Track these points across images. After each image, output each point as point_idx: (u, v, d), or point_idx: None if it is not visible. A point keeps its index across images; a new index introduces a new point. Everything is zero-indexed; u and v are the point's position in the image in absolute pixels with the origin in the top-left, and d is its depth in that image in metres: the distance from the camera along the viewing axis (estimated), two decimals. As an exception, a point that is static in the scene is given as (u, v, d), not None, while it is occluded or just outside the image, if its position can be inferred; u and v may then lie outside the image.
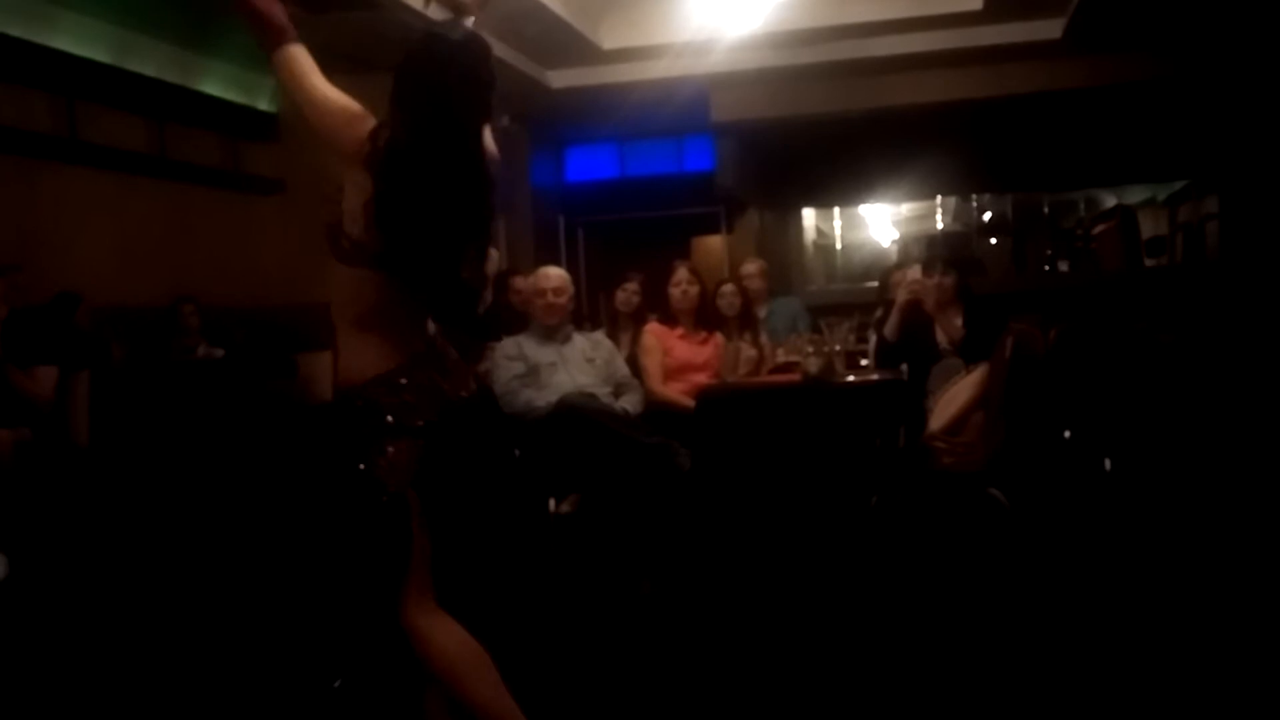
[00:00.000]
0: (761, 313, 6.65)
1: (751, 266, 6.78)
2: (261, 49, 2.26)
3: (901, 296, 5.44)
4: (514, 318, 5.75)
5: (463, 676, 2.38)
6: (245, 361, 6.59)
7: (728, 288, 5.91)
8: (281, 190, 8.10)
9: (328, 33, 7.42)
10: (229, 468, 5.30)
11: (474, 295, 2.40)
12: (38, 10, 6.31)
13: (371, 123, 2.25)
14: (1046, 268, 12.28)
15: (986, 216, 12.73)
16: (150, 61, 7.14)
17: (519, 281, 6.18)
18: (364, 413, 2.27)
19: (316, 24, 7.16)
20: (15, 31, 6.16)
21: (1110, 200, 12.17)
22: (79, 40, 6.61)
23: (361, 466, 2.26)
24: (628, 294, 6.00)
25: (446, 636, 2.39)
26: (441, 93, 2.27)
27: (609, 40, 8.85)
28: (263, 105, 8.22)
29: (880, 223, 13.94)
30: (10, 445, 4.73)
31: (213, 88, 7.74)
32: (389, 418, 2.26)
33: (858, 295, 10.23)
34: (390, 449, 2.26)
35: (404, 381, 2.28)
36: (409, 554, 2.33)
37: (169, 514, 5.12)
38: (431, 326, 2.39)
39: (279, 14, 2.26)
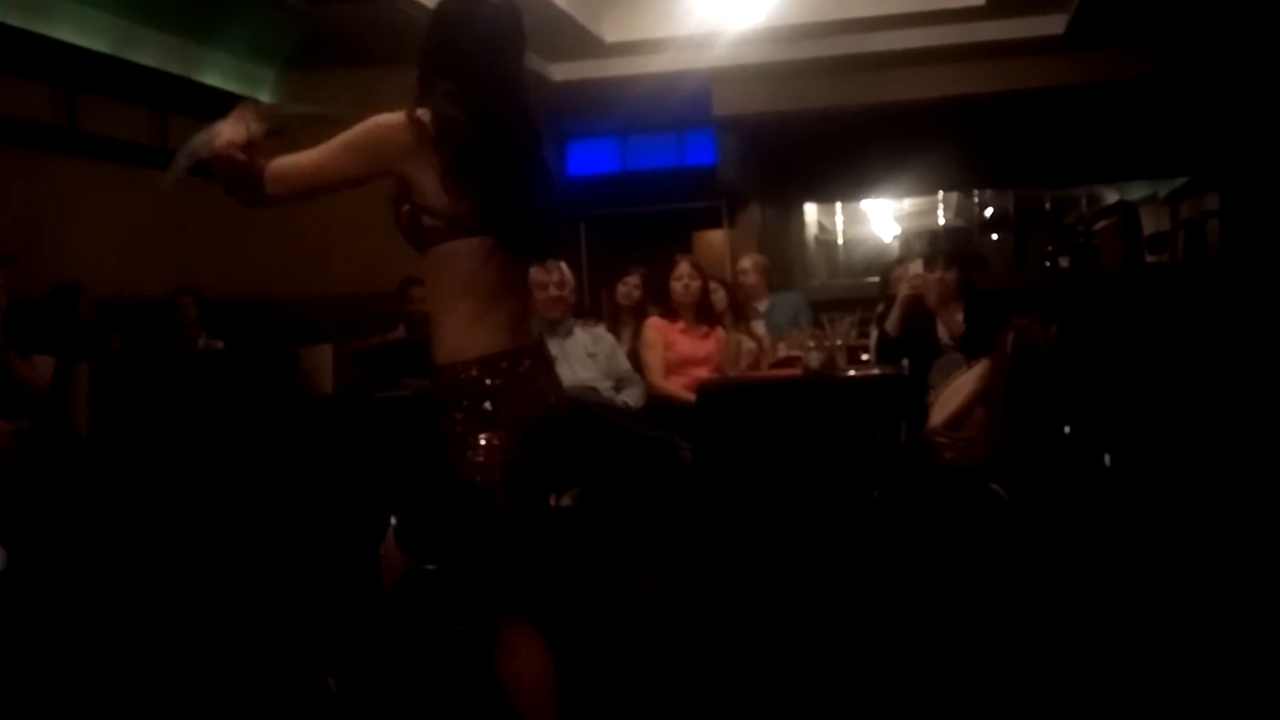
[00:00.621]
0: (761, 307, 6.65)
1: (746, 262, 6.80)
2: (254, 199, 2.26)
3: (903, 291, 5.43)
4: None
5: (535, 709, 2.30)
6: (246, 354, 6.58)
7: (711, 284, 5.89)
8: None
9: (329, 25, 7.43)
10: (229, 460, 5.30)
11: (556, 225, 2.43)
12: (37, 0, 6.30)
13: (376, 125, 2.26)
14: (1048, 264, 12.28)
15: (988, 212, 12.72)
16: (151, 52, 7.13)
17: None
18: (462, 394, 2.20)
19: (318, 16, 7.18)
20: (15, 21, 6.16)
21: (1112, 196, 12.16)
22: (79, 30, 6.59)
23: (450, 457, 2.19)
24: (629, 288, 5.99)
25: (531, 661, 2.31)
26: (485, 39, 2.37)
27: (611, 33, 8.84)
28: (264, 97, 8.20)
29: (882, 218, 13.94)
30: (9, 436, 4.71)
31: (214, 79, 7.73)
32: (487, 404, 2.19)
33: (859, 290, 10.23)
34: (484, 438, 2.18)
35: (506, 366, 2.22)
36: (500, 555, 2.25)
37: (168, 505, 5.11)
38: (537, 328, 2.36)
39: (239, 156, 2.25)
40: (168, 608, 4.13)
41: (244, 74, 7.98)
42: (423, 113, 2.25)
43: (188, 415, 5.61)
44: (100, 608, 4.12)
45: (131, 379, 5.82)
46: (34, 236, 6.11)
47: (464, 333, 2.22)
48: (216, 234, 7.68)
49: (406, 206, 2.24)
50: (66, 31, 6.49)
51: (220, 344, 6.61)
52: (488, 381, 2.19)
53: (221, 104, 7.91)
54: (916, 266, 5.56)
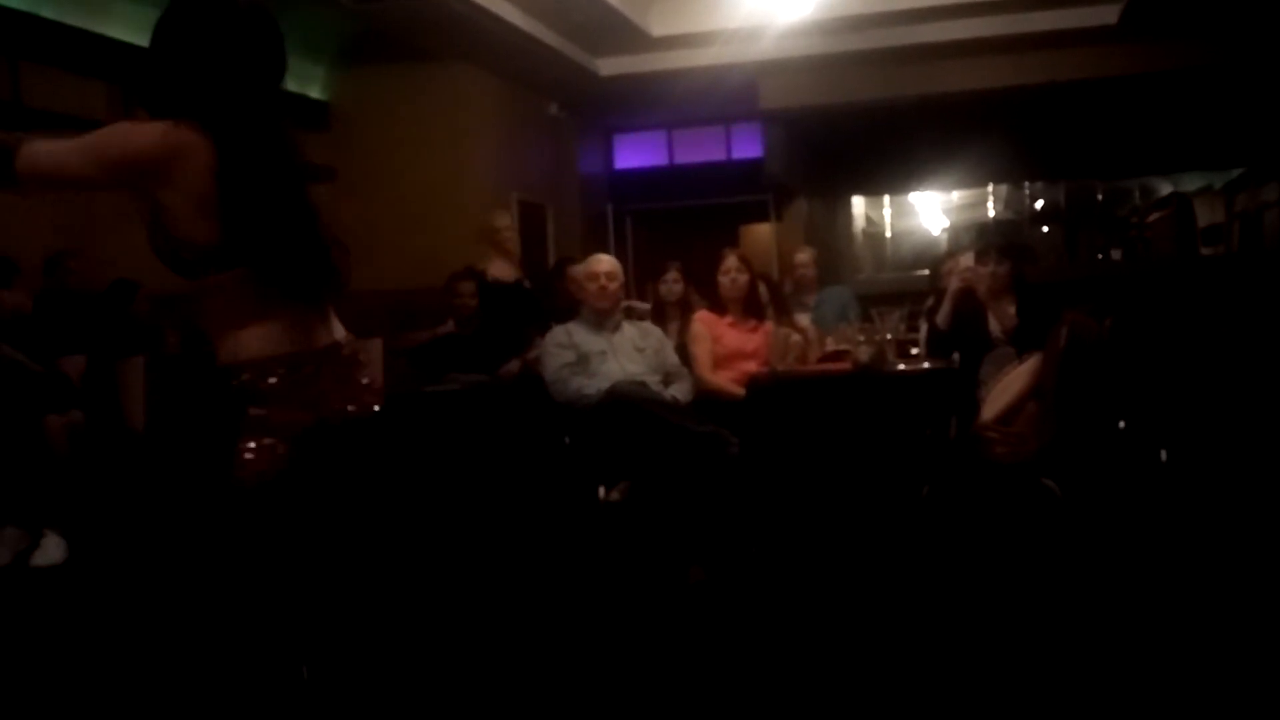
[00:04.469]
0: (810, 301, 6.63)
1: (805, 255, 6.77)
2: (4, 178, 1.99)
3: (954, 285, 5.38)
4: (568, 306, 5.75)
5: None
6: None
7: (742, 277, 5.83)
8: (333, 178, 8.16)
9: (378, 21, 7.49)
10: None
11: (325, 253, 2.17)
12: (94, 0, 6.40)
13: (125, 135, 2.02)
14: (1099, 256, 12.14)
15: (1038, 204, 12.59)
16: (204, 50, 7.22)
17: (572, 269, 6.19)
18: (232, 398, 2.08)
19: (368, 13, 7.23)
20: (74, 21, 6.26)
21: (1166, 188, 12.00)
22: (134, 29, 6.67)
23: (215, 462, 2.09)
24: (669, 284, 5.98)
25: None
26: (254, 60, 2.11)
27: (658, 27, 8.84)
28: (314, 94, 8.29)
29: (930, 210, 13.85)
30: (61, 430, 4.80)
31: (265, 76, 7.81)
32: (258, 410, 2.07)
33: (907, 283, 10.16)
34: (252, 445, 2.06)
35: (282, 371, 2.08)
36: (263, 568, 2.14)
37: (220, 499, 5.17)
38: (341, 331, 2.20)
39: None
40: (218, 599, 4.18)
41: (295, 71, 7.96)
42: (186, 127, 2.01)
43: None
44: (153, 599, 4.18)
45: (186, 374, 5.90)
46: (91, 232, 6.20)
47: (242, 341, 2.08)
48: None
49: (162, 238, 2.04)
50: (121, 30, 6.57)
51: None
52: (261, 386, 2.07)
53: (274, 101, 7.92)
54: (968, 259, 5.51)
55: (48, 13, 6.14)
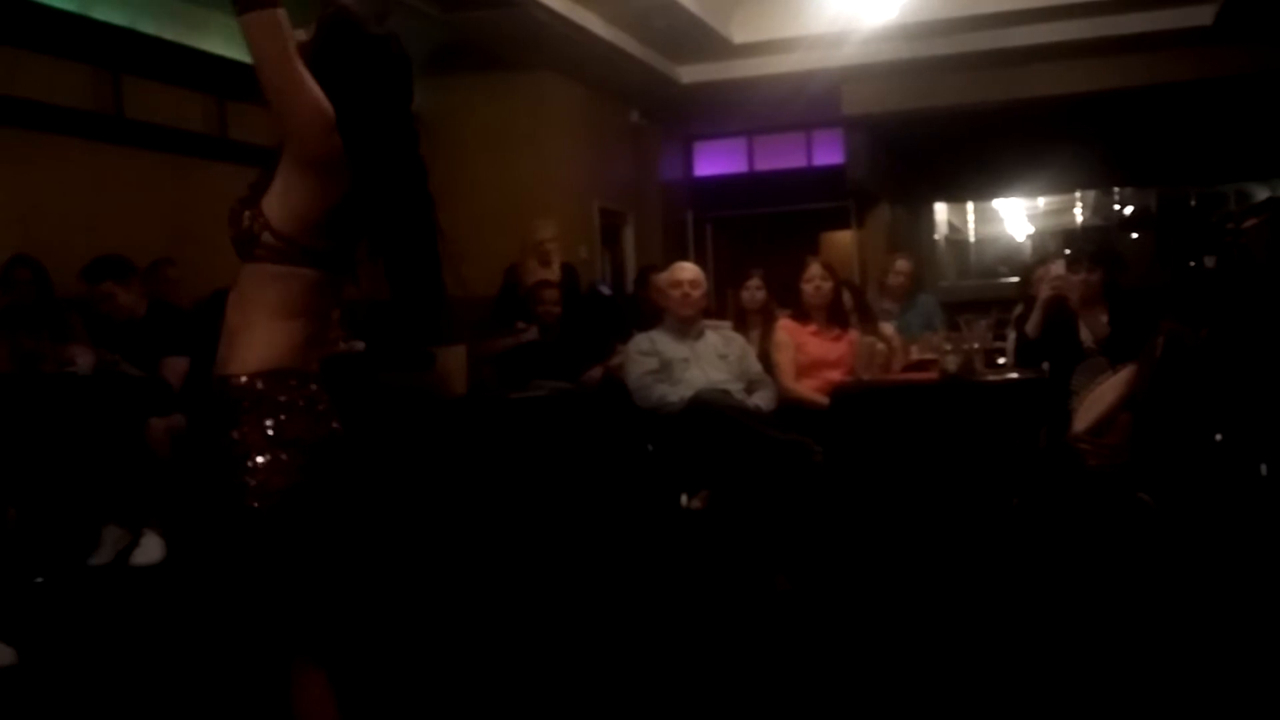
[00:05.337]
0: (895, 309, 6.58)
1: (903, 264, 6.71)
2: (235, 4, 1.94)
3: (1044, 293, 5.30)
4: (651, 313, 5.77)
5: None
6: (385, 355, 6.73)
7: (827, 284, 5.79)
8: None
9: (461, 31, 7.58)
10: (369, 460, 5.42)
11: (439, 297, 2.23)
12: (192, 14, 6.57)
13: (321, 103, 2.01)
14: (1192, 263, 11.84)
15: (1128, 210, 12.34)
16: (294, 62, 7.37)
17: (655, 277, 6.21)
18: (243, 409, 2.05)
19: (452, 23, 7.33)
20: (171, 35, 6.43)
21: (1262, 193, 11.66)
22: (229, 42, 6.84)
23: (230, 479, 2.05)
24: (751, 291, 5.97)
25: (312, 705, 2.14)
26: (394, 93, 2.12)
27: (740, 34, 8.83)
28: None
29: (1015, 217, 13.64)
30: (164, 434, 4.92)
31: (354, 86, 7.95)
32: (268, 421, 2.05)
33: (991, 291, 10.03)
34: (262, 459, 2.04)
35: (294, 384, 2.08)
36: (277, 586, 2.11)
37: (313, 501, 5.25)
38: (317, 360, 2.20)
39: None
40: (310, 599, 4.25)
41: (383, 82, 8.18)
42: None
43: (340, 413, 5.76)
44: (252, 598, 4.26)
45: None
46: (186, 240, 6.36)
47: (261, 347, 2.07)
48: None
49: (250, 214, 2.05)
50: (217, 43, 6.74)
51: (361, 345, 6.78)
52: (276, 397, 2.06)
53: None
54: (1058, 267, 5.43)
55: (147, 28, 6.32)
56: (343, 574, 2.17)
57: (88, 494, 4.86)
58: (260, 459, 2.03)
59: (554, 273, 6.90)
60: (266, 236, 2.04)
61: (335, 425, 2.15)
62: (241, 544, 2.11)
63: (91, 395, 4.94)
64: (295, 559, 2.10)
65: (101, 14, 6.08)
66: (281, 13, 1.94)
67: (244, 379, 2.06)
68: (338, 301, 2.20)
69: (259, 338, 2.07)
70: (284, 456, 2.04)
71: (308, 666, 2.13)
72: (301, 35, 2.07)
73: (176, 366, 5.21)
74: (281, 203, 2.04)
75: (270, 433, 2.04)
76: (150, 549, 4.79)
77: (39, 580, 4.42)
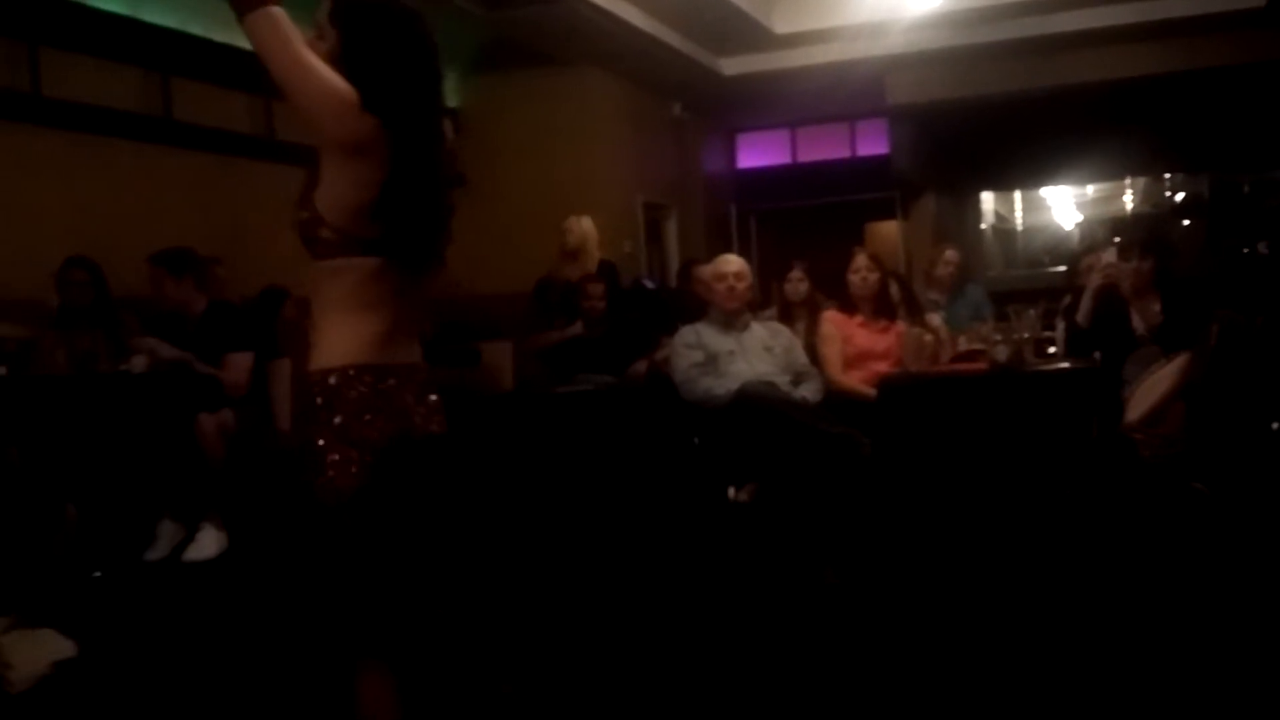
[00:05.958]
0: (942, 300, 6.53)
1: (953, 254, 6.64)
2: (234, 8, 1.98)
3: (1095, 281, 5.24)
4: (695, 306, 5.77)
5: None
6: (432, 352, 6.78)
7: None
8: (463, 183, 8.32)
9: (506, 28, 7.61)
10: (421, 457, 5.45)
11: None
12: (239, 16, 6.65)
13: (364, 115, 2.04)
14: (1245, 250, 11.65)
15: (1179, 197, 12.16)
16: (341, 62, 7.44)
17: (699, 270, 6.21)
18: (319, 406, 2.07)
19: (496, 20, 7.36)
20: (219, 37, 6.50)
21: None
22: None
23: (308, 475, 2.06)
24: (793, 283, 5.96)
25: (379, 711, 2.15)
26: (425, 67, 2.14)
27: (782, 25, 8.79)
28: (448, 102, 8.45)
29: (1063, 205, 13.48)
30: (217, 433, 4.98)
31: (399, 85, 8.00)
32: (338, 418, 2.05)
33: (1039, 280, 9.93)
34: (336, 455, 2.05)
35: (369, 380, 2.08)
36: (346, 587, 2.12)
37: (362, 499, 5.30)
38: (419, 354, 2.22)
39: None
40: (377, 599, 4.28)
41: (427, 79, 8.23)
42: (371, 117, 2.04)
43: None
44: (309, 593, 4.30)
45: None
46: (236, 240, 6.44)
47: (333, 343, 2.10)
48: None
49: (306, 214, 2.08)
50: (264, 44, 6.82)
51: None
52: (348, 393, 2.07)
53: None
54: (1109, 255, 5.36)
55: (196, 30, 6.40)
56: (411, 574, 2.16)
57: (143, 490, 4.94)
58: (332, 456, 2.04)
59: (587, 271, 6.91)
60: (323, 231, 2.07)
61: (419, 421, 2.15)
62: (311, 541, 2.12)
63: (146, 394, 5.02)
64: (363, 558, 2.10)
65: (151, 16, 6.17)
66: (277, 10, 1.97)
67: (318, 376, 2.08)
68: (415, 289, 2.19)
69: (330, 334, 2.10)
70: (354, 454, 2.05)
71: (373, 665, 2.14)
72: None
73: (241, 363, 5.27)
74: (328, 195, 2.06)
75: (340, 430, 2.05)
76: (205, 544, 4.87)
77: (97, 575, 4.50)
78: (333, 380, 2.07)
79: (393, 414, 2.10)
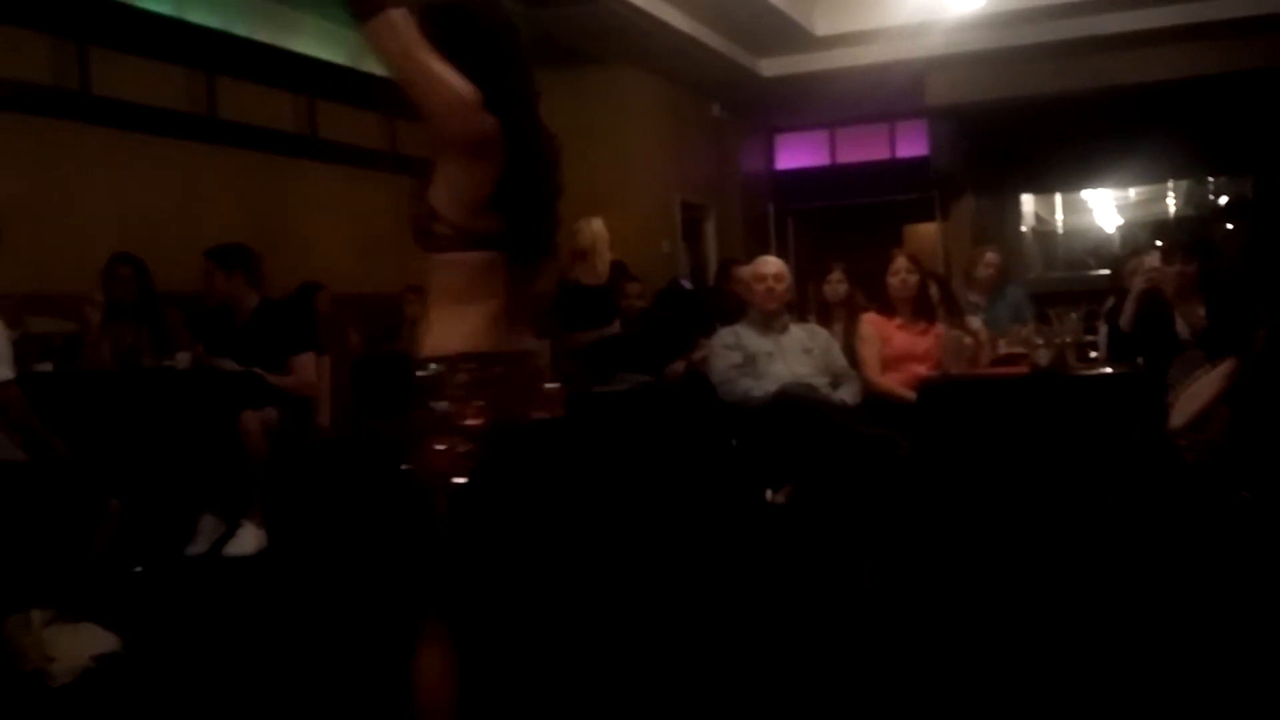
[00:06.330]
0: (982, 302, 6.49)
1: (993, 256, 6.60)
2: (353, 14, 2.02)
3: (1139, 285, 5.19)
4: (733, 306, 5.77)
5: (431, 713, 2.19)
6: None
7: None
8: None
9: (545, 27, 7.63)
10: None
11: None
12: (283, 16, 6.72)
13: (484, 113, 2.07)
14: (1289, 253, 11.51)
15: (1223, 200, 12.02)
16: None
17: (738, 271, 6.20)
18: (426, 393, 2.11)
19: (535, 19, 7.38)
20: (263, 37, 6.57)
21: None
22: (319, 43, 6.98)
23: (411, 460, 2.10)
24: (833, 284, 5.94)
25: (435, 677, 2.17)
26: (522, 61, 2.19)
27: (823, 26, 8.78)
28: (486, 99, 8.50)
29: (1104, 207, 13.37)
30: (259, 426, 5.01)
31: (439, 85, 8.05)
32: (441, 405, 2.09)
33: (1079, 283, 9.84)
34: (439, 443, 2.09)
35: (474, 368, 2.12)
36: (433, 565, 2.14)
37: (401, 494, 5.33)
38: (534, 343, 2.26)
39: None
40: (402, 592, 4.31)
41: (467, 78, 8.28)
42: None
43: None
44: (346, 591, 4.34)
45: (369, 373, 6.12)
46: (279, 237, 6.50)
47: (441, 333, 2.14)
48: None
49: (421, 210, 2.13)
50: (308, 44, 6.88)
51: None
52: (453, 381, 2.11)
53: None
54: (1153, 259, 5.31)
55: (240, 30, 6.47)
56: (506, 558, 2.21)
57: (185, 486, 4.98)
58: (435, 443, 2.09)
59: (598, 273, 6.93)
60: (437, 226, 2.11)
61: (528, 409, 2.19)
62: (407, 526, 2.15)
63: (190, 389, 5.06)
64: (461, 543, 2.13)
65: (196, 17, 6.24)
66: (396, 13, 2.01)
67: (424, 364, 2.13)
68: (527, 279, 2.24)
69: (439, 324, 2.15)
70: (457, 441, 2.09)
71: (438, 644, 2.17)
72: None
73: (307, 364, 5.29)
74: (444, 191, 2.11)
75: (444, 418, 2.09)
76: (245, 540, 4.89)
77: (138, 569, 4.54)
78: (438, 369, 2.11)
79: (497, 402, 2.13)
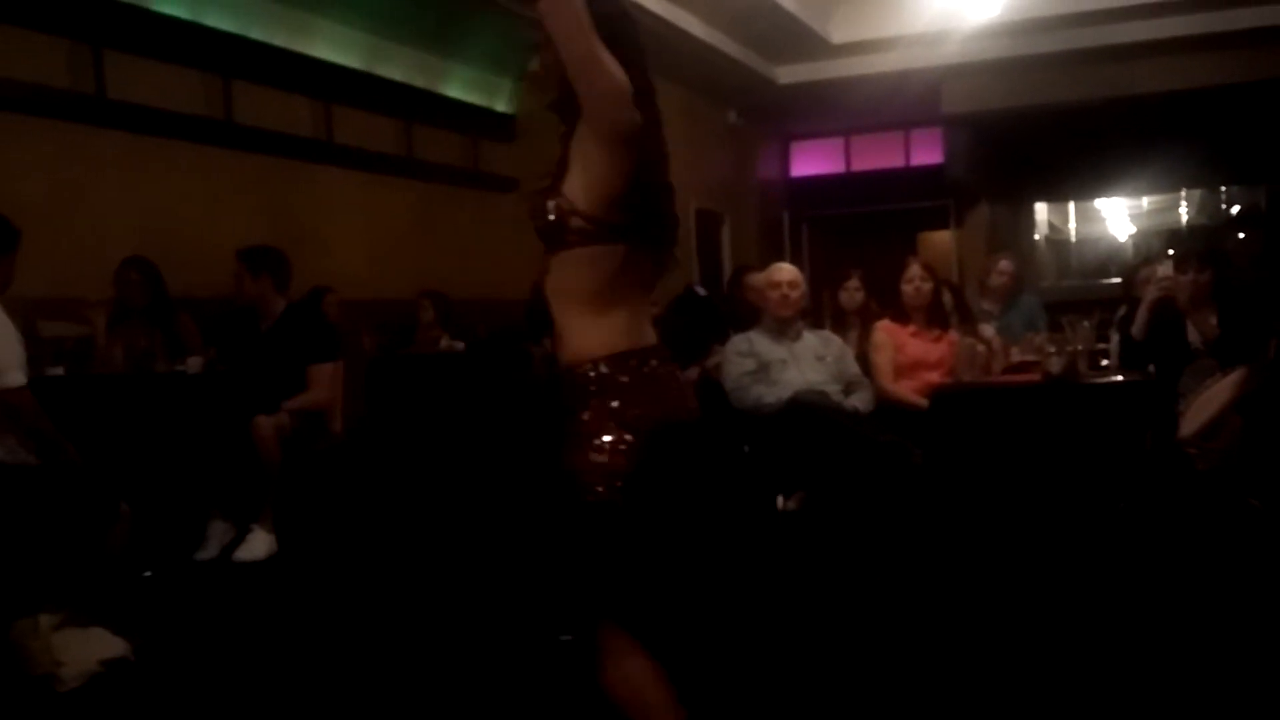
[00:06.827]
0: (996, 310, 6.47)
1: (1007, 264, 6.61)
2: None
3: (1151, 293, 5.16)
4: (746, 313, 5.76)
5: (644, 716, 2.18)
6: (485, 354, 6.81)
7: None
8: (517, 188, 8.37)
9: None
10: (476, 458, 5.48)
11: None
12: (299, 20, 6.73)
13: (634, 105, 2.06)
14: (1302, 262, 11.45)
15: (1235, 209, 11.97)
16: (398, 66, 7.51)
17: (752, 277, 6.19)
18: (590, 393, 2.10)
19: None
20: (279, 41, 6.59)
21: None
22: (335, 47, 7.00)
23: (573, 460, 2.09)
24: (849, 292, 5.93)
25: (633, 671, 2.17)
26: (642, 55, 2.17)
27: (839, 34, 8.78)
28: (501, 107, 8.51)
29: (1117, 216, 13.33)
30: (272, 431, 5.02)
31: (455, 90, 8.07)
32: (615, 401, 2.09)
33: (1092, 292, 9.83)
34: (609, 438, 2.08)
35: (634, 364, 2.13)
36: (610, 565, 2.13)
37: (417, 499, 5.34)
38: (655, 335, 2.25)
39: None
40: (415, 596, 4.32)
41: (483, 85, 8.30)
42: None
43: (435, 413, 5.85)
44: (358, 598, 4.35)
45: (382, 378, 6.12)
46: (294, 242, 6.50)
47: (593, 333, 2.13)
48: (456, 238, 8.03)
49: (555, 202, 2.10)
50: (324, 49, 6.90)
51: (461, 345, 6.88)
52: (618, 379, 2.11)
53: (463, 115, 8.26)
54: (1165, 268, 5.28)
55: (256, 34, 6.49)
56: (676, 557, 2.20)
57: (196, 490, 4.99)
58: (606, 439, 2.08)
59: None
60: (575, 221, 2.09)
61: (684, 402, 2.20)
62: (578, 528, 2.12)
63: (201, 394, 5.08)
64: (632, 542, 2.12)
65: (212, 20, 6.26)
66: None
67: (587, 365, 2.12)
68: (657, 277, 2.24)
69: (589, 322, 2.13)
70: (628, 438, 2.08)
71: (632, 652, 2.16)
72: None
73: (323, 375, 5.30)
74: (584, 183, 2.09)
75: (616, 414, 2.09)
76: (255, 545, 4.89)
77: (147, 574, 4.54)
78: (605, 369, 2.11)
79: (659, 396, 2.14)
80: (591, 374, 2.11)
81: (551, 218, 2.10)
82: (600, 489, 2.07)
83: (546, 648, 3.11)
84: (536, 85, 2.32)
